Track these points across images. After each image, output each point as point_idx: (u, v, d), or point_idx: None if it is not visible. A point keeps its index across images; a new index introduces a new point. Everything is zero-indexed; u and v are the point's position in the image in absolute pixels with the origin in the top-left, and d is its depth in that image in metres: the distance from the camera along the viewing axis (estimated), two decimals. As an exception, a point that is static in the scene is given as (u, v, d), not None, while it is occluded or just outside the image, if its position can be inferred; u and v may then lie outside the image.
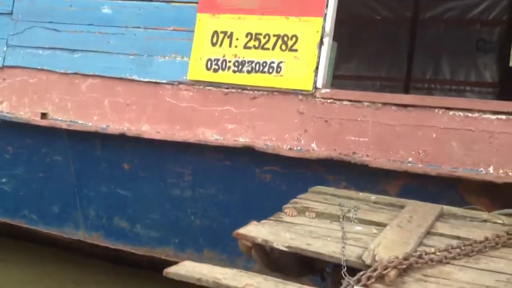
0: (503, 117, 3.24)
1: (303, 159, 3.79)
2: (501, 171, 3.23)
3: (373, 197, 3.33)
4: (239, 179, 4.10)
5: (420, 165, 3.44)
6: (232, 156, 4.07)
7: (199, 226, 4.35)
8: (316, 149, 3.78)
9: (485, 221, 2.93)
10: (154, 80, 4.32)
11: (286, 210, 2.93)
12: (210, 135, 4.09)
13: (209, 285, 2.03)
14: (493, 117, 3.27)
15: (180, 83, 4.22)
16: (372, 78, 8.25)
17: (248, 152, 3.97)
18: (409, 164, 3.48)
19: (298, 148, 3.83)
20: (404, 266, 2.18)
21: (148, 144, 4.32)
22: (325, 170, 3.77)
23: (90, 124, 4.49)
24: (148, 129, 4.31)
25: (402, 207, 3.11)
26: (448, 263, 2.30)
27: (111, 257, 5.12)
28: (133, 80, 4.41)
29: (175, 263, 2.25)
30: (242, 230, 2.64)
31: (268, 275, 2.16)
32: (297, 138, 3.84)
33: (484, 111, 3.29)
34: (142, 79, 4.37)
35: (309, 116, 3.81)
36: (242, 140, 3.99)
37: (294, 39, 3.82)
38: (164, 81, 4.28)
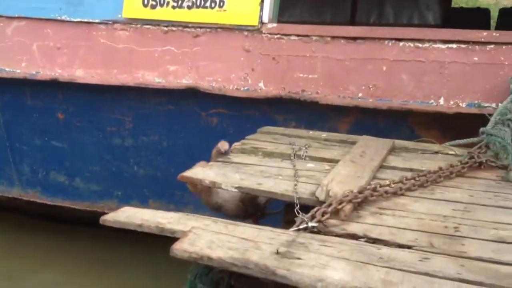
0: (454, 45, 3.15)
1: (251, 99, 3.61)
2: (451, 102, 3.17)
3: (323, 134, 3.22)
4: (184, 123, 3.88)
5: (370, 100, 3.33)
6: (175, 100, 3.83)
7: (143, 176, 4.14)
8: (264, 88, 3.59)
9: (437, 152, 2.87)
10: (86, 20, 3.96)
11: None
12: (151, 78, 3.82)
13: (152, 231, 1.85)
14: (444, 46, 3.18)
15: (115, 22, 3.88)
16: (316, 23, 8.05)
17: (192, 95, 3.74)
18: (359, 100, 3.36)
19: (245, 88, 3.64)
20: (359, 200, 2.08)
21: (83, 90, 4.00)
22: (273, 110, 3.61)
23: (18, 71, 4.10)
24: (82, 74, 3.98)
25: (353, 143, 3.01)
26: (403, 194, 2.22)
27: (50, 214, 4.82)
28: (63, 21, 4.03)
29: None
30: (188, 173, 2.47)
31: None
32: (243, 78, 3.64)
33: (435, 41, 3.19)
34: (72, 19, 4.01)
35: (256, 54, 3.60)
36: (186, 81, 3.74)
37: (236, -31, 3.55)
38: (97, 21, 3.93)
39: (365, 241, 1.81)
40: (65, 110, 4.17)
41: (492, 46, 3.08)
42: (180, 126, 3.91)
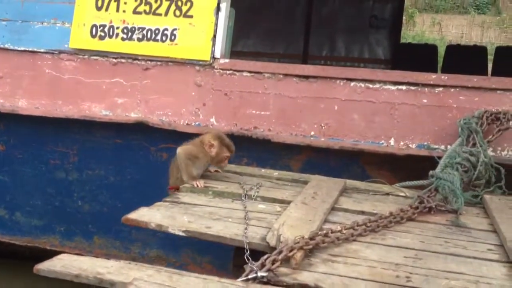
0: (403, 87, 3.19)
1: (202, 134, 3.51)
2: (401, 143, 3.20)
3: (275, 173, 3.17)
4: (132, 158, 3.74)
5: (322, 139, 3.32)
6: (123, 133, 3.70)
7: (88, 212, 3.95)
8: (216, 124, 3.52)
9: (388, 194, 2.87)
10: (30, 49, 3.80)
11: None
12: (98, 110, 3.68)
13: (90, 282, 1.71)
14: (394, 87, 3.21)
15: (61, 52, 3.74)
16: (270, 55, 8.15)
17: (141, 129, 3.62)
18: (311, 138, 3.34)
19: (197, 123, 3.55)
20: (310, 247, 2.02)
21: (26, 122, 3.81)
22: (225, 146, 3.53)
23: (-44, 100, 3.86)
24: (26, 105, 3.80)
25: (305, 182, 2.98)
26: (354, 240, 2.18)
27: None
28: (6, 49, 3.87)
29: (61, 253, 1.91)
30: (133, 215, 2.34)
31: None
32: (195, 113, 3.56)
33: (385, 82, 3.22)
34: (16, 47, 3.84)
35: (208, 89, 3.54)
36: (134, 115, 3.62)
37: (188, 4, 3.50)
38: (43, 50, 3.78)
39: (316, 293, 1.74)
40: (6, 141, 3.96)
41: (440, 88, 3.14)
42: (128, 160, 3.77)
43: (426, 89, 3.16)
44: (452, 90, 3.12)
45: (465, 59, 7.23)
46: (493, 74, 6.91)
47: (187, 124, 3.55)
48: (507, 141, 3.02)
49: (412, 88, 3.19)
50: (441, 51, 8.15)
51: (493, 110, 2.99)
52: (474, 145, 2.83)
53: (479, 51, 7.80)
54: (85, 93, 3.72)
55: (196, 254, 3.82)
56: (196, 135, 3.53)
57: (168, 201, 2.60)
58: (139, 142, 3.69)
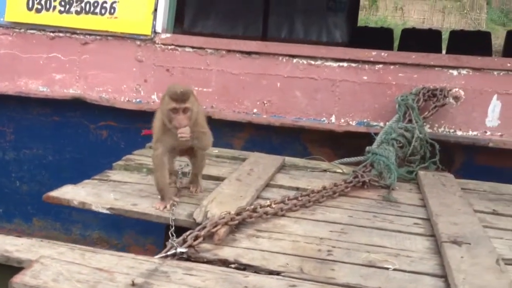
0: (345, 64, 3.17)
1: (143, 111, 3.42)
2: (342, 120, 3.18)
3: (215, 150, 3.11)
4: (71, 136, 3.62)
5: (264, 116, 3.27)
6: (61, 111, 3.57)
7: (27, 193, 3.81)
8: (157, 101, 3.42)
9: (325, 171, 2.86)
10: (-37, 22, 3.61)
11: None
12: (35, 87, 3.54)
13: (-4, 261, 1.63)
14: (335, 64, 3.19)
15: (-5, 25, 3.57)
16: (228, 37, 8.02)
17: (80, 106, 3.50)
18: (253, 115, 3.29)
19: (138, 100, 3.46)
20: (236, 222, 1.99)
21: (-41, 98, 3.64)
22: (167, 124, 3.45)
23: None
24: (-42, 80, 3.62)
25: (245, 160, 2.93)
26: (283, 215, 2.15)
27: None
28: None
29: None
30: (55, 193, 2.27)
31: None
32: (136, 89, 3.46)
33: (327, 59, 3.19)
34: None
35: (149, 64, 3.44)
36: (73, 91, 3.50)
37: (128, -25, 3.38)
38: (-24, 23, 3.60)
39: (235, 268, 1.71)
40: None
41: (380, 65, 3.13)
42: (67, 139, 3.64)
43: (366, 66, 3.15)
44: (392, 67, 3.12)
45: (420, 43, 7.27)
46: (446, 57, 6.98)
47: (128, 100, 3.45)
48: (444, 118, 3.04)
49: (353, 65, 3.17)
50: (398, 35, 8.20)
51: (430, 86, 3.00)
52: (410, 121, 2.84)
53: (433, 35, 7.87)
54: (21, 68, 3.56)
55: (139, 235, 3.75)
56: (137, 112, 3.45)
57: (97, 179, 2.52)
58: (78, 120, 3.58)
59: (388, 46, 7.62)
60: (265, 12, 8.12)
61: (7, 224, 3.94)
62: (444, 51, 7.64)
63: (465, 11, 23.38)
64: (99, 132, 3.58)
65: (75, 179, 2.72)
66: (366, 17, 21.34)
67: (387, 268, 1.70)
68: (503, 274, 1.60)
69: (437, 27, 18.58)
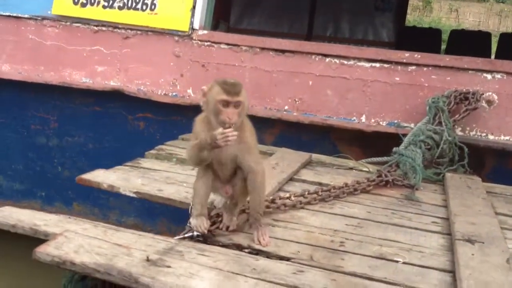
0: (377, 65, 3.18)
1: (179, 105, 3.54)
2: (372, 120, 3.19)
3: (245, 145, 3.17)
4: (110, 126, 3.78)
5: (295, 114, 3.32)
6: (102, 101, 3.73)
7: (68, 178, 3.99)
8: (192, 95, 3.54)
9: (352, 168, 2.88)
10: (14, 15, 3.83)
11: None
12: (78, 78, 3.71)
13: (26, 232, 1.76)
14: (367, 65, 3.20)
15: (44, 18, 3.77)
16: (274, 34, 8.09)
17: (119, 97, 3.65)
18: (284, 112, 3.35)
19: (174, 93, 3.58)
20: (254, 211, 2.04)
21: (9, 86, 3.85)
22: (200, 117, 3.55)
23: None
24: (9, 69, 3.84)
25: (272, 155, 2.99)
26: (302, 208, 2.20)
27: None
28: (-9, 14, 3.89)
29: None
30: (87, 176, 2.38)
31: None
32: (172, 83, 3.58)
33: (359, 59, 3.21)
34: (1, 13, 3.86)
35: (186, 60, 3.55)
36: (113, 83, 3.65)
37: (169, -27, 3.51)
38: (26, 16, 3.80)
39: (248, 252, 1.77)
40: (-11, 106, 4.02)
41: (413, 67, 3.12)
42: (106, 128, 3.80)
43: (399, 67, 3.15)
44: (425, 69, 3.10)
45: (468, 44, 7.11)
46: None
47: (164, 94, 3.58)
48: (476, 122, 3.00)
49: (386, 65, 3.17)
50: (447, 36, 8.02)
51: (463, 90, 2.97)
52: (440, 123, 2.82)
53: (483, 37, 7.67)
54: (66, 59, 3.75)
55: (171, 223, 3.87)
56: (173, 105, 3.57)
57: (128, 165, 2.64)
58: (117, 110, 3.73)
59: (435, 47, 7.47)
60: (311, 10, 8.12)
61: (49, 207, 4.14)
62: (493, 55, 7.45)
63: (522, 15, 22.56)
64: (137, 123, 3.72)
65: (112, 167, 2.86)
66: (420, 18, 20.91)
67: (397, 261, 1.72)
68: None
69: (493, 30, 18.00)
